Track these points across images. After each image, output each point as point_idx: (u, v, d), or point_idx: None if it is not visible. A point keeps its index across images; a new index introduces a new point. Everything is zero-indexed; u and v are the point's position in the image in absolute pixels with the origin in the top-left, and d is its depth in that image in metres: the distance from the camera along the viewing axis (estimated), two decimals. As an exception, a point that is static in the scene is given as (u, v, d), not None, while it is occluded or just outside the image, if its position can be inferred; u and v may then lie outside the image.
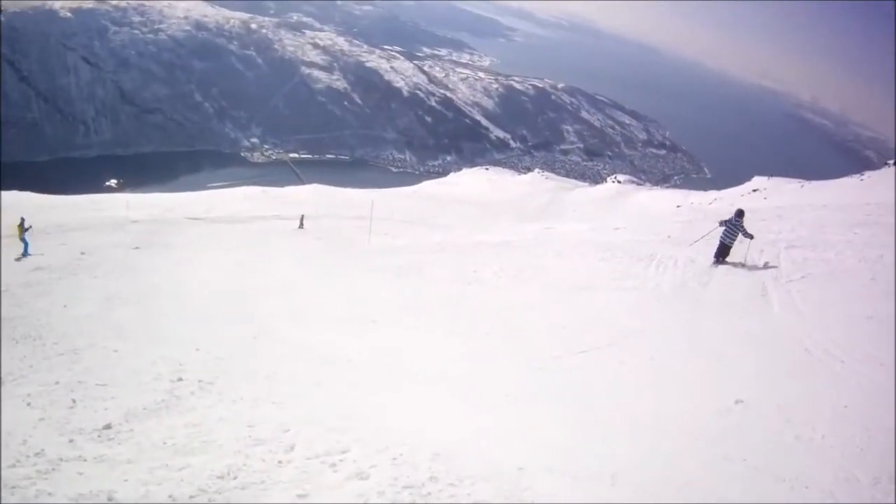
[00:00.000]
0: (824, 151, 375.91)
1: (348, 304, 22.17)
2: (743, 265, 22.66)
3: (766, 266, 21.96)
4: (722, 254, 23.59)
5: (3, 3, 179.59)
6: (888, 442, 9.61)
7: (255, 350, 15.50)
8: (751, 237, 23.02)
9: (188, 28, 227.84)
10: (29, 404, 10.23)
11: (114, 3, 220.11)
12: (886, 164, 57.81)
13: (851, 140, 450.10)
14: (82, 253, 29.53)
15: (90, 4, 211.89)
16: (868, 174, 49.06)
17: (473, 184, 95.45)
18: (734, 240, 23.33)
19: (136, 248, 32.32)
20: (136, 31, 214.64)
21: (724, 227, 23.54)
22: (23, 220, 31.47)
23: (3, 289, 20.46)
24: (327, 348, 16.08)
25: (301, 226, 46.67)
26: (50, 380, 11.54)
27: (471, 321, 19.53)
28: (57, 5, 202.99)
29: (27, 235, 30.91)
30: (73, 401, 10.34)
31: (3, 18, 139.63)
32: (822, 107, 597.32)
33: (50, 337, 14.82)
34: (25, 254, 30.07)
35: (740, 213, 23.77)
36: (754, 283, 20.28)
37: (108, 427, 9.36)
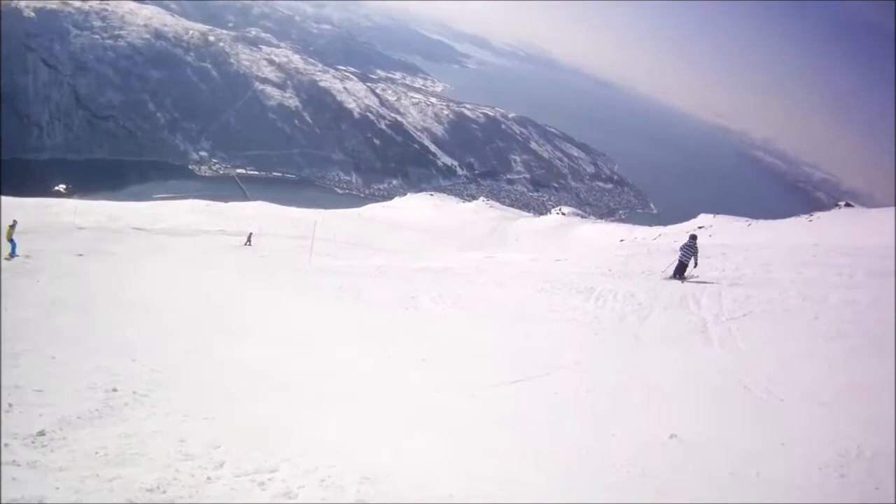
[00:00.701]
0: (774, 191, 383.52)
1: (286, 323, 22.20)
2: (692, 294, 22.94)
3: (707, 303, 22.07)
4: (679, 271, 26.84)
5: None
6: (825, 479, 9.85)
7: (190, 364, 15.39)
8: (695, 262, 26.46)
9: (147, 36, 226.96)
10: (-37, 407, 10.03)
11: (77, 5, 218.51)
12: (837, 205, 58.81)
13: (802, 181, 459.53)
14: (27, 256, 29.22)
15: (54, 5, 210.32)
16: (817, 215, 49.73)
17: (418, 209, 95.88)
18: (690, 258, 26.61)
19: (81, 255, 31.99)
20: (97, 36, 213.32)
21: (681, 250, 27.07)
22: (14, 222, 31.46)
23: None
24: (263, 366, 16.06)
25: (248, 242, 46.46)
26: (-13, 383, 11.31)
27: (407, 346, 19.54)
28: (22, 4, 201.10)
29: (15, 236, 30.81)
30: (10, 405, 10.25)
31: None
32: (775, 147, 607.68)
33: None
34: (13, 254, 30.03)
35: (694, 237, 27.60)
36: (694, 320, 20.52)
37: (41, 434, 9.32)
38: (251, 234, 47.78)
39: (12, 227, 31.20)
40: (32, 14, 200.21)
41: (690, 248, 26.74)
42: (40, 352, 14.00)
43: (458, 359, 18.19)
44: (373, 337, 20.75)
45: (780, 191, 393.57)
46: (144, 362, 14.39)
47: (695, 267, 26.62)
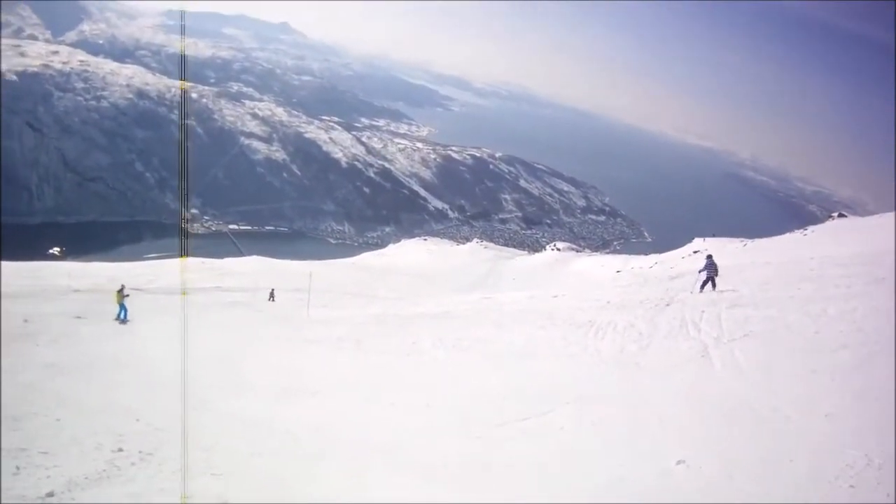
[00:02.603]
0: (768, 208, 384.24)
1: (287, 376, 22.18)
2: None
3: (706, 327, 22.16)
4: (712, 284, 29.50)
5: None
6: (835, 491, 9.94)
7: (194, 421, 15.33)
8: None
9: (130, 96, 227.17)
10: (-28, 469, 10.04)
11: (58, 68, 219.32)
12: (830, 216, 59.04)
13: (794, 195, 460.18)
14: (25, 321, 29.11)
15: (35, 68, 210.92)
16: (811, 228, 49.97)
17: (412, 254, 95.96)
18: (715, 273, 29.60)
19: (79, 317, 31.91)
20: (80, 98, 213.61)
21: (706, 270, 29.79)
22: (122, 286, 33.82)
23: None
24: (266, 420, 16.08)
25: (272, 298, 46.45)
26: (-7, 446, 11.30)
27: (410, 392, 19.58)
28: (4, 67, 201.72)
29: (126, 301, 32.89)
30: (17, 468, 10.28)
31: None
32: (763, 164, 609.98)
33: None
34: (124, 319, 32.21)
35: (710, 256, 30.76)
36: (695, 345, 20.61)
37: (50, 495, 9.38)
38: (273, 290, 47.82)
39: (120, 291, 33.40)
40: (14, 77, 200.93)
41: (713, 265, 29.76)
42: (44, 415, 13.99)
43: (462, 401, 18.25)
44: (375, 385, 20.80)
45: (773, 207, 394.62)
46: (149, 421, 14.47)
47: (716, 276, 29.57)
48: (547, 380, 19.80)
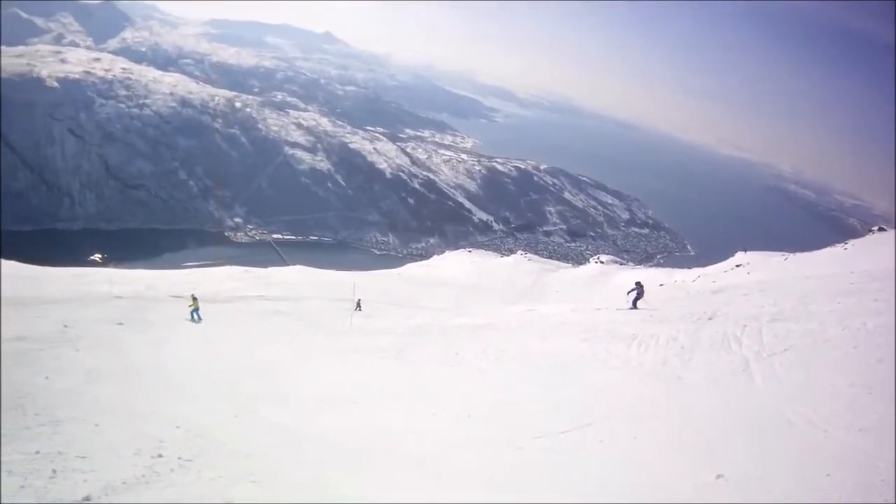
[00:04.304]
0: (808, 222, 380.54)
1: (329, 385, 22.23)
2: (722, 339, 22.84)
3: (748, 341, 22.03)
4: (635, 304, 35.53)
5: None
6: None
7: (234, 428, 15.44)
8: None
9: (173, 104, 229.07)
10: (9, 472, 10.25)
11: (100, 75, 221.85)
12: (870, 230, 58.33)
13: (834, 209, 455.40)
14: (65, 326, 29.34)
15: (77, 75, 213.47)
16: (852, 242, 49.43)
17: (456, 266, 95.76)
18: (641, 296, 35.96)
19: (120, 323, 32.15)
20: (122, 105, 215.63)
21: (634, 292, 36.47)
22: (193, 296, 36.70)
23: None
24: (307, 428, 16.08)
25: (358, 308, 46.63)
26: (30, 449, 11.50)
27: (452, 403, 19.52)
28: (44, 73, 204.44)
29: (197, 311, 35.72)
30: (54, 471, 10.36)
31: None
32: (804, 177, 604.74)
33: (31, 407, 14.67)
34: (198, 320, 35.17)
35: (639, 283, 37.39)
36: (736, 359, 20.49)
37: (87, 499, 9.46)
38: (360, 300, 47.86)
39: (195, 299, 35.91)
40: (56, 84, 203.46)
41: (641, 289, 36.49)
42: (83, 419, 14.08)
43: (504, 412, 18.20)
44: (417, 395, 20.78)
45: (813, 221, 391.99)
46: (189, 428, 14.48)
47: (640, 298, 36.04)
48: (588, 392, 19.73)
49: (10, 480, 9.86)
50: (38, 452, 11.36)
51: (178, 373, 22.13)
